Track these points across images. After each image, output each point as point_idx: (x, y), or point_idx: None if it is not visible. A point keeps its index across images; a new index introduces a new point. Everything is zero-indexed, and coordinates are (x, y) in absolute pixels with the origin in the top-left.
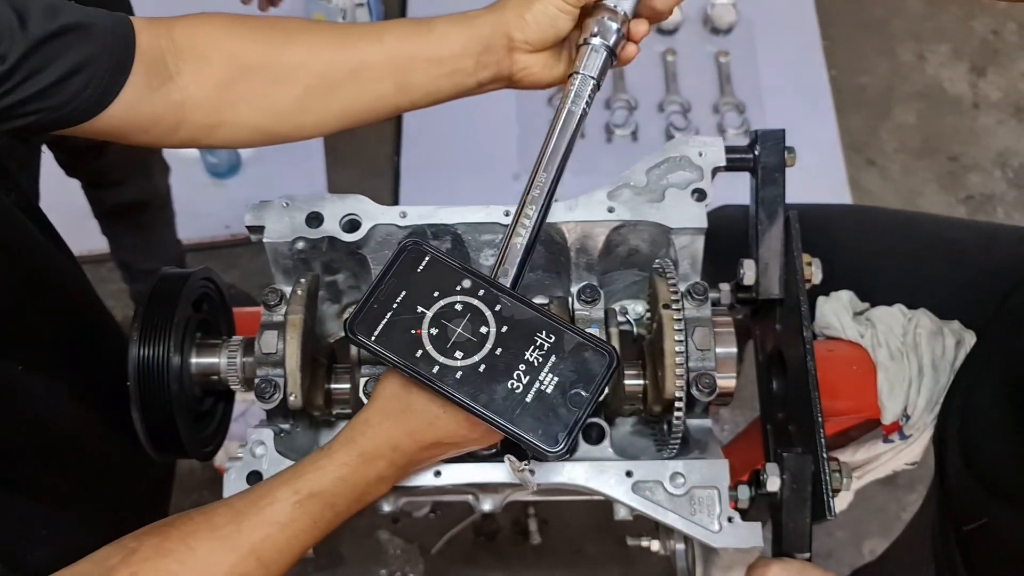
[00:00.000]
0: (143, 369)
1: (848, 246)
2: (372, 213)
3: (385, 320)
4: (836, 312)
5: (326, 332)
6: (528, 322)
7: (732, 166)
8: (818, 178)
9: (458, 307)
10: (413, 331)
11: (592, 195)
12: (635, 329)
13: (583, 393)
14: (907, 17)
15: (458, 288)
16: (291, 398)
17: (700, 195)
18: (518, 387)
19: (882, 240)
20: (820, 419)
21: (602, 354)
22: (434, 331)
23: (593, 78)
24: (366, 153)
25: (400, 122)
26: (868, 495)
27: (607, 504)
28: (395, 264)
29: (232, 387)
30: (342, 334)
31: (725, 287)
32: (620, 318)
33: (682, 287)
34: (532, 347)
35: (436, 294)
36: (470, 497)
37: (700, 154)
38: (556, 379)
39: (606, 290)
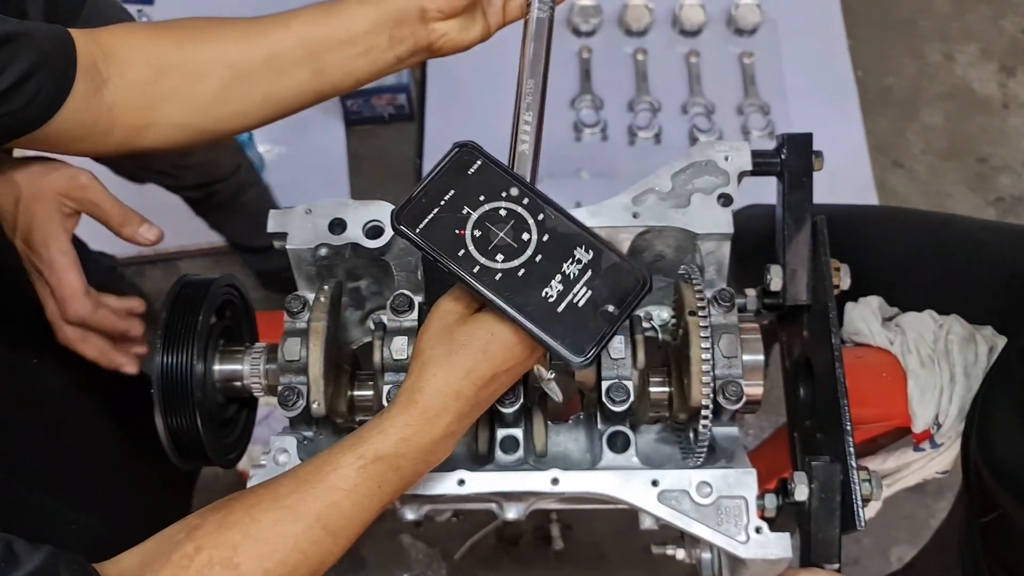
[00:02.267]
0: (166, 376)
1: (879, 248)
2: None
3: (431, 216)
4: (865, 318)
5: (349, 339)
6: (569, 236)
7: (758, 171)
8: (844, 180)
9: (502, 212)
10: (457, 231)
11: (616, 200)
12: (660, 335)
13: (613, 311)
14: (934, 16)
15: (504, 195)
16: (314, 406)
17: (726, 200)
18: (552, 296)
19: (914, 242)
20: (849, 427)
21: (636, 277)
22: (477, 233)
23: None
24: (388, 158)
25: (422, 125)
26: (896, 502)
27: (630, 510)
28: (447, 163)
29: (255, 394)
30: (366, 340)
31: (751, 293)
32: (645, 324)
33: (708, 293)
34: (570, 260)
35: (482, 198)
36: (493, 505)
37: (726, 158)
38: (589, 293)
39: None
